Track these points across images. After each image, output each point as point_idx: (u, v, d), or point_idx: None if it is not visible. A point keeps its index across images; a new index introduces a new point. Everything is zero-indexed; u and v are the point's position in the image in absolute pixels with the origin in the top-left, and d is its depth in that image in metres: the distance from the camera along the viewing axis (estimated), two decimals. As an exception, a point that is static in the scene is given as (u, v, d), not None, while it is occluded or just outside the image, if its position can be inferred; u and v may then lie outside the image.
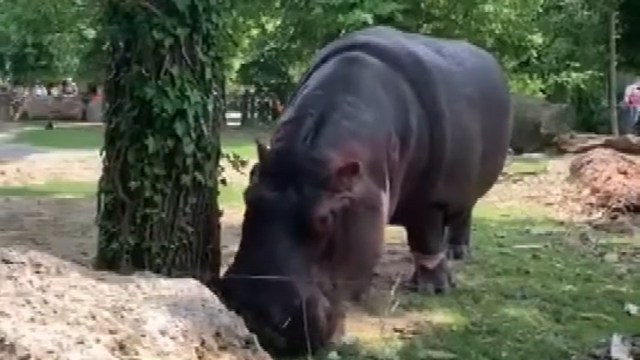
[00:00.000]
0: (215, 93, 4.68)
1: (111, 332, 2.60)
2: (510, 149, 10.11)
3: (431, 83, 5.34)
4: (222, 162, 4.84)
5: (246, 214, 4.49)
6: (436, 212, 5.70)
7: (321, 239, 4.22)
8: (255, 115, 39.76)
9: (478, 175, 5.87)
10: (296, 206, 4.17)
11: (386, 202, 4.74)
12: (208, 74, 4.57)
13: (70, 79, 41.22)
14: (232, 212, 5.08)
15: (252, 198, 4.45)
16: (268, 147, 4.71)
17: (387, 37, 5.74)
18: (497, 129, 6.23)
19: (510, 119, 6.83)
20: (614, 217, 9.14)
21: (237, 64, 40.13)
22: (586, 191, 10.54)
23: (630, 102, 24.69)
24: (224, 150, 4.86)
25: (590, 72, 27.76)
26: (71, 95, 40.54)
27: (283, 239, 4.15)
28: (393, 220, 5.55)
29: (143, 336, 2.66)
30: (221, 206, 4.83)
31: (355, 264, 4.50)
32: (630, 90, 24.84)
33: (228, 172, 4.84)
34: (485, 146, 5.82)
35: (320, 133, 4.47)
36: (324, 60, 5.40)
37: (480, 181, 6.05)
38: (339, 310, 4.37)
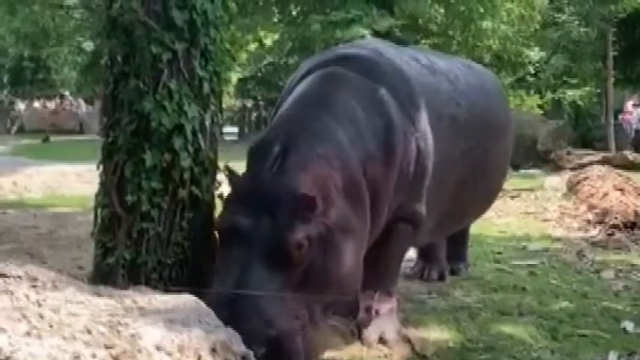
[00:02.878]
0: (213, 107, 4.68)
1: (107, 347, 2.59)
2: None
3: (415, 100, 5.02)
4: (220, 176, 4.83)
5: (220, 243, 4.29)
6: (405, 232, 5.10)
7: (298, 266, 4.00)
8: (253, 129, 39.82)
9: (459, 199, 5.55)
10: (271, 234, 3.96)
11: (365, 222, 4.47)
12: (206, 89, 4.57)
13: (67, 92, 41.31)
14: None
15: (225, 226, 4.23)
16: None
17: (373, 50, 5.34)
18: (489, 150, 5.87)
19: (509, 139, 6.60)
20: (611, 234, 9.14)
21: (234, 78, 40.23)
22: (583, 208, 10.54)
23: (623, 119, 24.91)
24: (221, 164, 4.85)
25: (587, 88, 27.87)
26: (68, 108, 40.68)
27: (260, 268, 3.93)
28: None
29: (139, 351, 2.65)
30: (218, 221, 4.79)
31: (333, 288, 4.25)
32: (625, 107, 25.03)
33: (225, 186, 4.83)
34: (470, 169, 5.53)
35: (288, 156, 4.20)
36: (303, 76, 5.13)
37: (466, 204, 5.82)
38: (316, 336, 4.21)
